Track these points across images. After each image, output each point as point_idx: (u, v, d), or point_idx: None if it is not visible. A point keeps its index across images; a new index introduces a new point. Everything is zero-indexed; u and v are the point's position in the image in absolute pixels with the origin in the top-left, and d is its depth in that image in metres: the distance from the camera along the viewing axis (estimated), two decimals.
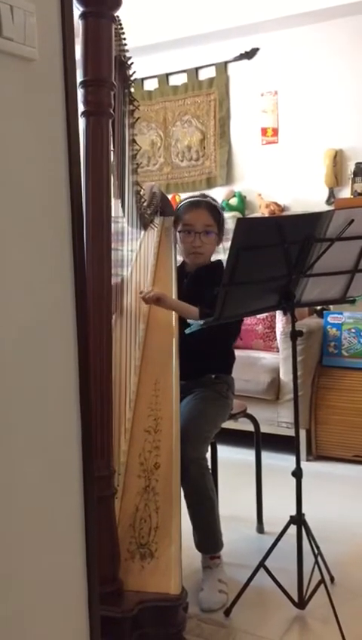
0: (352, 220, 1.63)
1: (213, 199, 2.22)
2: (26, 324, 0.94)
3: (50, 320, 1.00)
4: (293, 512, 1.77)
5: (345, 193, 3.81)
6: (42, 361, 0.98)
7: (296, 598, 1.76)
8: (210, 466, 1.93)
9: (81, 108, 1.32)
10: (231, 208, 4.04)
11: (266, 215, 3.84)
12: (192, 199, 2.19)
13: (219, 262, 2.17)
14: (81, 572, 1.09)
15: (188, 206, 2.16)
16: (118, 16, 1.39)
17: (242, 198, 4.12)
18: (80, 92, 1.33)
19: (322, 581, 1.74)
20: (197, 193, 2.30)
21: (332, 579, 1.94)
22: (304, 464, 1.81)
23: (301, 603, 1.76)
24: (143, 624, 1.44)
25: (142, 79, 4.38)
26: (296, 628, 1.75)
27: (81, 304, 1.06)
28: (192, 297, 2.04)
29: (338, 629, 1.65)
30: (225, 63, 4.17)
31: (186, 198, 2.24)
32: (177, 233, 2.20)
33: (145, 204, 2.12)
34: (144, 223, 2.18)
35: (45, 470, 0.99)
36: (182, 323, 1.95)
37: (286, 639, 1.70)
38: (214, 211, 2.15)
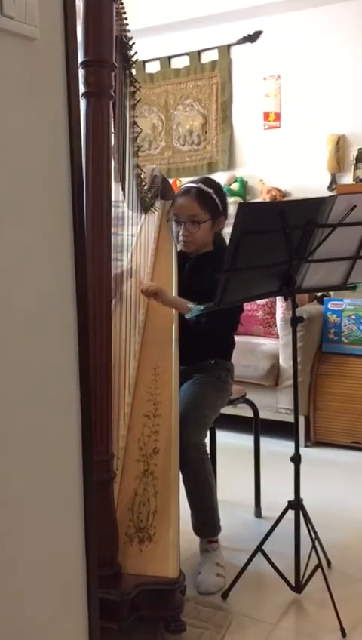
0: (354, 206, 1.62)
1: (209, 183, 2.12)
2: (26, 309, 0.94)
3: (50, 304, 0.99)
4: (291, 497, 1.78)
5: (347, 179, 3.78)
6: (42, 345, 0.97)
7: (293, 582, 1.77)
8: (208, 451, 1.94)
9: (81, 89, 1.30)
10: (233, 194, 4.01)
11: (268, 201, 3.82)
12: (186, 185, 2.14)
13: (221, 249, 2.13)
14: (79, 555, 1.10)
15: (180, 194, 2.12)
16: None
17: (243, 184, 4.09)
18: (80, 73, 1.31)
19: (319, 565, 1.76)
20: (196, 178, 2.24)
21: (329, 563, 1.96)
22: (302, 450, 1.81)
23: (298, 587, 1.77)
24: (141, 607, 1.45)
25: (144, 62, 4.33)
26: (292, 611, 1.77)
27: (81, 288, 1.05)
28: (193, 284, 2.03)
29: (334, 612, 1.67)
30: (228, 46, 4.12)
31: (185, 183, 2.19)
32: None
33: (145, 187, 2.10)
34: (144, 207, 2.15)
35: (45, 454, 0.99)
36: None
37: (283, 622, 1.72)
38: (204, 198, 2.06)
